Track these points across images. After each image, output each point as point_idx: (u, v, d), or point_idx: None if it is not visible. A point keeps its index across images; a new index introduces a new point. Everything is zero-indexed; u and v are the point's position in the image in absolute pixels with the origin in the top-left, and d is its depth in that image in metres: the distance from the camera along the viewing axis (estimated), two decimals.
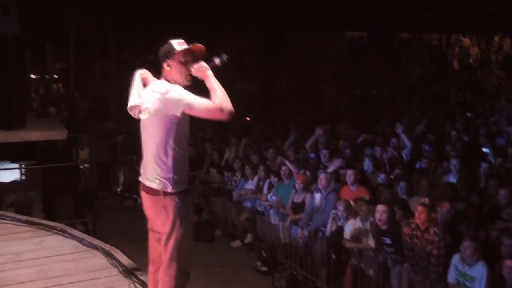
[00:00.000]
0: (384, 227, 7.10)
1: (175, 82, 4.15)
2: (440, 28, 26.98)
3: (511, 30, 26.19)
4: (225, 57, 4.17)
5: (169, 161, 4.19)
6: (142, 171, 4.39)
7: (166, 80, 4.17)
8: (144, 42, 19.98)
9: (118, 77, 19.89)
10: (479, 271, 6.09)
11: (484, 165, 9.18)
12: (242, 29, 22.97)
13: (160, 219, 4.30)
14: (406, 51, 25.26)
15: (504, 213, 7.39)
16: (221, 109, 3.94)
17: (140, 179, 4.38)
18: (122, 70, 20.39)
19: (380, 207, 7.07)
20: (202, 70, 4.10)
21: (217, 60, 4.16)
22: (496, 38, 26.06)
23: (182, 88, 4.06)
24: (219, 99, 3.96)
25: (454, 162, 9.11)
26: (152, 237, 4.53)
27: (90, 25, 19.63)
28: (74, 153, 12.32)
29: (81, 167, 12.28)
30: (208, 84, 4.09)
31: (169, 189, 4.19)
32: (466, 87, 18.31)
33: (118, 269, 5.91)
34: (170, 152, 4.17)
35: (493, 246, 6.58)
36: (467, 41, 25.96)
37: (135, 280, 5.59)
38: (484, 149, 10.50)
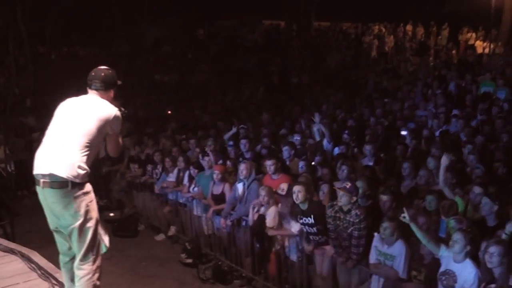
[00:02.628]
0: (304, 207, 7.13)
1: None
2: (355, 17, 27.62)
3: (423, 19, 27.14)
4: (125, 112, 4.78)
5: (83, 155, 4.32)
6: (42, 165, 4.31)
7: (104, 100, 4.61)
8: (59, 34, 19.39)
9: (34, 71, 19.18)
10: (398, 249, 6.25)
11: (400, 148, 9.41)
12: (159, 19, 22.71)
13: (70, 212, 4.32)
14: (323, 39, 25.64)
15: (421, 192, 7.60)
16: (119, 151, 4.85)
17: (39, 173, 4.32)
18: (37, 63, 19.69)
19: (296, 187, 7.11)
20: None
21: (122, 109, 4.76)
22: (409, 26, 26.86)
23: None
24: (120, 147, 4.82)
25: (368, 146, 9.30)
26: (58, 236, 4.62)
27: (0, 16, 18.81)
28: None
29: None
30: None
31: (77, 180, 4.27)
32: (383, 73, 18.69)
33: (37, 272, 5.75)
34: (86, 151, 4.34)
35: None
36: (382, 29, 26.62)
37: (55, 283, 5.46)
38: (403, 132, 10.75)
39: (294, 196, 7.13)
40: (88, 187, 4.39)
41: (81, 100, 4.57)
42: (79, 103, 4.54)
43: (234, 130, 11.21)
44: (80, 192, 4.28)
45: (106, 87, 4.62)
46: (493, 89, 13.94)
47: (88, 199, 4.37)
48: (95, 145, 4.42)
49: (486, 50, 23.04)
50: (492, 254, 5.21)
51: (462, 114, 11.87)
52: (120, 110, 4.63)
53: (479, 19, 24.87)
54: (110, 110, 4.49)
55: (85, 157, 4.30)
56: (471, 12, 25.19)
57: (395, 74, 18.94)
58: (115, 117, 4.50)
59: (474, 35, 24.99)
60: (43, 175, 4.28)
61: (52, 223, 4.51)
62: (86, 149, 4.32)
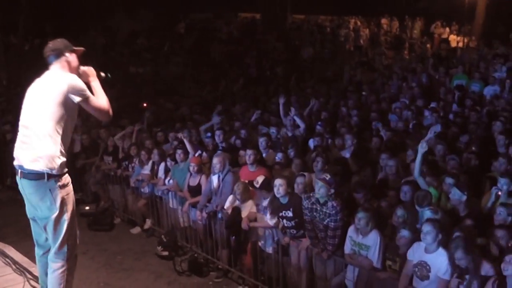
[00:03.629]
0: (284, 201, 7.17)
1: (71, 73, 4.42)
2: (331, 10, 27.72)
3: (398, 13, 27.35)
4: (109, 75, 4.80)
5: (55, 143, 4.24)
6: (20, 156, 4.27)
7: (63, 69, 4.40)
8: (33, 25, 19.12)
9: (6, 62, 18.89)
10: (373, 239, 6.34)
11: (375, 140, 9.49)
12: (134, 11, 22.53)
13: (45, 203, 4.30)
14: (298, 32, 25.70)
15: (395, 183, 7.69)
16: (108, 111, 4.44)
17: (17, 164, 4.32)
18: (9, 54, 19.39)
19: (278, 181, 7.13)
20: (90, 73, 4.57)
21: (102, 74, 4.68)
22: (384, 20, 27.06)
23: (81, 81, 4.36)
24: (106, 102, 4.43)
25: (348, 137, 9.36)
26: (35, 226, 4.57)
27: None
28: None
29: None
30: (95, 86, 4.52)
31: (54, 171, 4.23)
32: (358, 66, 18.81)
33: (12, 267, 5.72)
34: (57, 137, 4.25)
35: (384, 215, 6.83)
36: (357, 22, 26.77)
37: (30, 277, 5.43)
38: (376, 124, 10.83)
39: (275, 190, 7.17)
40: (66, 179, 4.35)
41: (40, 81, 4.40)
42: (38, 85, 4.39)
43: (213, 121, 11.17)
44: (56, 184, 4.25)
45: (57, 55, 4.42)
46: (465, 82, 14.13)
47: (65, 192, 4.32)
48: (64, 126, 4.27)
49: (460, 44, 23.33)
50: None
51: (436, 106, 12.01)
52: (99, 74, 4.59)
53: (453, 14, 25.19)
54: (60, 81, 4.26)
55: (57, 146, 4.23)
56: (445, 6, 25.48)
57: (370, 67, 19.07)
58: (70, 84, 4.23)
59: (447, 29, 25.29)
60: (20, 166, 4.28)
61: (29, 212, 4.49)
62: (56, 134, 4.22)
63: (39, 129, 4.21)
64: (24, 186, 4.31)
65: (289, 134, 10.53)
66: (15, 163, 4.32)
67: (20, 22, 20.35)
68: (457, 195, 6.59)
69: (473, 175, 7.74)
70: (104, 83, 4.61)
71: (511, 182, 6.69)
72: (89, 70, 4.58)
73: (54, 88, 4.23)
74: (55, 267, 4.41)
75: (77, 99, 4.24)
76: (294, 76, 17.67)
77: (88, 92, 4.31)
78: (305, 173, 7.80)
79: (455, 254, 5.35)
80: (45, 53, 4.45)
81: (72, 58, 4.47)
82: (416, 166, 7.18)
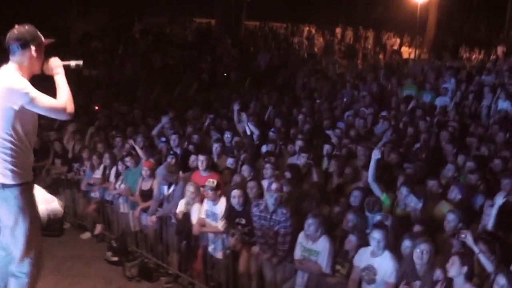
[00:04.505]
0: (239, 208, 7.19)
1: (29, 70, 4.11)
2: (285, 17, 27.94)
3: (351, 22, 27.76)
4: (81, 63, 4.34)
5: (8, 152, 4.04)
6: None
7: (21, 64, 4.06)
8: None
9: None
10: (322, 245, 6.41)
11: (327, 147, 9.59)
12: (88, 12, 22.21)
13: (2, 213, 4.13)
14: (253, 38, 25.82)
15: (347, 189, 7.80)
16: (64, 109, 4.05)
17: None
18: None
19: (236, 192, 7.15)
20: (55, 66, 4.19)
21: (73, 63, 4.30)
22: (338, 29, 27.41)
23: (25, 82, 3.98)
24: (64, 99, 4.06)
25: (299, 143, 9.45)
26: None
27: None
28: None
29: None
30: (57, 80, 4.16)
31: (9, 181, 4.04)
32: (311, 74, 18.95)
33: None
34: (8, 144, 4.04)
35: (335, 221, 6.92)
36: (312, 30, 27.03)
37: None
38: (328, 132, 10.96)
39: (232, 200, 7.19)
40: (24, 188, 4.13)
41: None
42: None
43: (163, 122, 11.10)
44: (13, 195, 4.06)
45: (21, 45, 4.04)
46: (415, 92, 14.43)
47: (23, 201, 4.11)
48: (15, 134, 4.00)
49: (412, 56, 23.84)
50: (422, 251, 5.41)
51: (388, 115, 12.24)
52: (68, 64, 4.27)
53: (405, 26, 25.76)
54: (1, 87, 3.92)
55: (7, 155, 4.01)
56: (398, 18, 26.06)
57: (323, 75, 19.25)
58: (6, 89, 3.89)
59: (399, 40, 25.83)
60: None
61: None
62: (5, 145, 4.00)
63: None
64: None
65: (243, 140, 10.54)
66: None
67: None
68: (413, 202, 6.75)
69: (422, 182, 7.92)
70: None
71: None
72: (53, 61, 4.23)
73: None
74: (17, 280, 4.28)
75: (16, 106, 3.92)
76: (248, 82, 17.74)
77: (31, 94, 3.93)
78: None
79: (421, 266, 5.44)
80: (8, 40, 4.07)
81: (37, 53, 4.10)
82: (370, 171, 7.29)
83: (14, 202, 4.08)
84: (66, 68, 4.27)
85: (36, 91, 3.99)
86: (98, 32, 23.39)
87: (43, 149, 11.62)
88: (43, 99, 4.00)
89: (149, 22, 26.51)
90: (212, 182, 7.57)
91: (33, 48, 4.07)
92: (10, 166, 4.03)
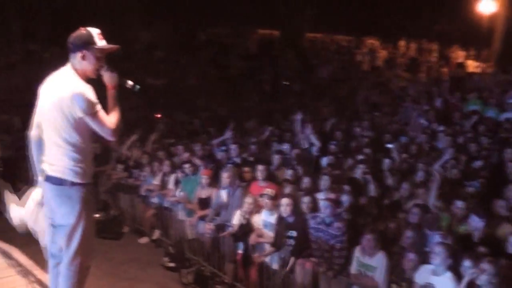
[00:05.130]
0: (290, 220, 7.17)
1: (83, 73, 4.15)
2: (349, 30, 27.77)
3: (415, 35, 27.33)
4: (138, 87, 4.29)
5: (76, 152, 4.14)
6: (45, 159, 4.24)
7: (75, 68, 4.13)
8: (52, 33, 19.25)
9: (25, 69, 19.05)
10: (379, 261, 6.31)
11: (387, 161, 9.46)
12: (152, 22, 22.65)
13: (63, 210, 4.18)
14: (315, 50, 25.77)
15: (405, 205, 7.66)
16: (113, 132, 4.09)
17: (43, 167, 4.23)
18: (28, 61, 19.54)
19: (284, 201, 7.14)
20: (114, 81, 4.19)
21: (130, 83, 4.29)
22: (402, 42, 27.04)
23: (92, 93, 4.05)
24: (115, 121, 4.10)
25: (358, 156, 9.36)
26: (50, 231, 4.41)
27: None
28: None
29: None
30: (111, 96, 4.19)
31: (77, 179, 4.13)
32: (373, 87, 18.76)
33: (15, 269, 5.72)
34: (76, 143, 4.13)
35: (391, 237, 6.80)
36: (375, 43, 26.77)
37: (33, 280, 5.42)
38: (388, 146, 10.81)
39: (282, 209, 7.18)
40: (88, 189, 4.21)
41: (51, 83, 4.17)
42: (49, 88, 4.16)
43: (226, 135, 11.19)
44: (78, 193, 4.13)
45: (71, 49, 4.11)
46: (479, 107, 14.06)
47: (85, 201, 4.18)
48: (79, 135, 4.07)
49: (477, 69, 23.26)
50: (484, 271, 5.26)
51: (450, 130, 11.96)
52: (125, 83, 4.28)
53: (470, 39, 25.15)
54: (65, 90, 3.99)
55: (77, 155, 4.09)
56: (463, 31, 25.47)
57: (385, 89, 19.03)
58: (74, 96, 3.95)
59: (464, 53, 25.24)
60: (44, 169, 4.21)
61: (48, 216, 4.35)
62: (71, 144, 4.07)
63: (57, 140, 4.10)
64: (46, 189, 4.25)
65: (303, 152, 10.50)
66: (42, 165, 4.25)
67: (40, 30, 20.59)
68: (475, 221, 6.58)
69: (485, 201, 7.71)
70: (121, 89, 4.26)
71: None
72: (112, 77, 4.21)
73: (59, 99, 4.01)
74: (67, 277, 4.31)
75: (80, 114, 3.99)
76: (310, 94, 17.71)
77: (97, 107, 4.03)
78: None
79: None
80: (67, 43, 4.15)
81: (89, 57, 4.12)
82: (432, 190, 7.14)
83: (79, 201, 4.15)
84: (122, 84, 4.31)
85: (99, 106, 4.07)
86: (161, 43, 23.79)
87: (105, 155, 11.91)
88: (102, 117, 4.07)
89: (212, 33, 26.83)
90: (270, 191, 7.59)
91: (81, 53, 4.11)
92: (79, 165, 4.12)
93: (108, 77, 4.22)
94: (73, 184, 4.12)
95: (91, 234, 4.36)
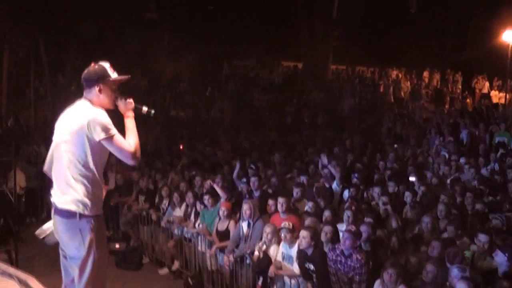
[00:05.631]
0: (309, 252, 7.09)
1: (100, 106, 4.23)
2: (372, 61, 27.81)
3: (439, 65, 27.25)
4: (152, 111, 4.40)
5: (87, 183, 4.13)
6: (54, 193, 4.27)
7: (91, 102, 4.21)
8: (79, 64, 19.56)
9: (53, 101, 19.37)
10: None
11: (407, 194, 9.36)
12: (177, 55, 22.93)
13: (74, 243, 4.18)
14: (339, 82, 25.83)
15: (426, 239, 7.55)
16: (134, 154, 4.12)
17: (53, 201, 4.26)
18: (56, 93, 19.90)
19: (303, 233, 7.08)
20: (127, 108, 4.29)
21: (145, 109, 4.38)
22: (426, 73, 26.96)
23: (108, 117, 4.12)
24: (134, 144, 4.13)
25: (376, 189, 9.31)
26: (63, 263, 4.44)
27: (23, 44, 19.02)
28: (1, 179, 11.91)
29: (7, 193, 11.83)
30: (128, 122, 4.26)
31: (86, 211, 4.13)
32: (398, 119, 18.71)
33: None
34: (88, 175, 4.15)
35: (413, 271, 6.68)
36: (398, 74, 26.73)
37: None
38: (411, 178, 10.72)
39: (299, 241, 7.13)
40: (99, 221, 4.23)
41: (66, 116, 4.27)
42: (63, 121, 4.27)
43: (238, 166, 11.19)
44: (88, 225, 4.14)
45: (87, 84, 4.23)
46: (507, 139, 13.91)
47: (96, 234, 4.18)
48: (92, 166, 4.13)
49: (502, 100, 23.05)
50: None
51: (475, 162, 11.83)
52: (140, 109, 4.36)
53: (495, 69, 24.98)
54: (81, 118, 4.07)
55: (88, 187, 4.12)
56: (488, 61, 25.29)
57: (409, 120, 18.95)
58: (90, 121, 4.03)
59: (488, 84, 25.04)
60: (54, 203, 4.25)
61: (62, 249, 4.39)
62: (84, 175, 4.11)
63: (67, 171, 4.14)
64: (56, 223, 4.28)
65: (324, 184, 10.45)
66: (51, 198, 4.29)
67: (68, 62, 20.97)
68: (499, 256, 6.46)
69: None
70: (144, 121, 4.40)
71: None
72: (128, 104, 4.32)
73: (75, 127, 4.08)
74: None
75: (97, 137, 4.03)
76: (333, 127, 17.71)
77: (112, 131, 4.08)
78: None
79: None
80: (81, 78, 4.30)
81: (105, 90, 4.24)
82: None
83: (89, 233, 4.16)
84: (137, 112, 4.38)
85: (116, 130, 4.12)
86: (187, 74, 24.06)
87: (126, 185, 11.99)
88: (120, 140, 4.12)
89: (237, 65, 27.08)
90: (288, 224, 7.54)
91: (98, 87, 4.21)
92: (89, 197, 4.14)
93: (123, 105, 4.32)
94: (81, 216, 4.13)
95: (103, 266, 4.34)
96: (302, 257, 7.21)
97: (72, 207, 4.13)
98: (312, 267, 7.03)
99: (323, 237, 7.24)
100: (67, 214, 4.15)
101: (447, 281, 6.20)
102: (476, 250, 7.02)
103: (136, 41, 20.35)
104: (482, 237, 6.88)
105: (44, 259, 9.43)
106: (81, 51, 19.38)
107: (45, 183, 13.49)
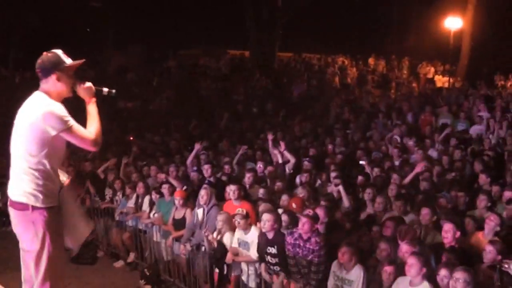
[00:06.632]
0: (270, 236, 7.15)
1: (58, 95, 4.18)
2: (318, 48, 28.10)
3: (384, 52, 27.76)
4: (114, 91, 4.41)
5: (39, 175, 4.07)
6: (10, 185, 4.20)
7: (48, 91, 4.14)
8: (23, 57, 19.10)
9: None
10: (356, 274, 6.32)
11: (360, 177, 9.55)
12: (124, 45, 22.67)
13: (28, 235, 4.13)
14: (286, 69, 25.99)
15: (379, 219, 7.73)
16: (94, 141, 4.14)
17: (8, 194, 4.19)
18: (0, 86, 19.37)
19: (266, 216, 7.13)
20: (91, 93, 4.26)
21: (105, 89, 4.36)
22: (371, 60, 27.40)
23: (63, 109, 4.08)
24: (95, 131, 4.14)
25: (332, 173, 9.42)
26: (22, 257, 4.36)
27: None
28: None
29: None
30: (90, 108, 4.24)
31: (38, 203, 4.07)
32: (345, 104, 18.94)
33: None
34: (41, 167, 4.10)
35: (367, 250, 6.84)
36: (345, 61, 27.08)
37: None
38: (361, 162, 10.91)
39: (262, 224, 7.16)
40: (52, 212, 4.15)
41: (23, 109, 4.17)
42: (20, 114, 4.17)
43: (195, 149, 11.15)
44: (40, 217, 4.08)
45: (43, 74, 4.14)
46: (450, 121, 14.29)
47: (50, 226, 4.12)
48: (47, 159, 4.07)
49: (445, 84, 23.66)
50: (458, 279, 5.28)
51: (422, 144, 12.13)
52: (100, 90, 4.32)
53: (438, 54, 25.62)
54: (36, 112, 4.00)
55: (38, 178, 4.07)
56: (431, 47, 25.94)
57: (357, 106, 19.22)
58: (46, 113, 3.97)
59: (433, 69, 25.65)
60: (9, 196, 4.20)
61: (20, 242, 4.32)
62: (36, 168, 4.06)
63: (20, 164, 4.10)
64: (12, 216, 4.22)
65: (276, 169, 10.53)
66: (7, 191, 4.23)
67: (10, 54, 20.44)
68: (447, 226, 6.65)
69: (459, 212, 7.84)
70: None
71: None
72: (88, 89, 4.26)
73: (30, 121, 4.03)
74: None
75: (55, 131, 4.00)
76: (282, 113, 17.82)
77: (69, 122, 4.04)
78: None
79: None
80: (36, 68, 4.18)
81: (63, 77, 4.16)
82: None
83: (42, 225, 4.11)
84: (98, 94, 4.35)
85: (73, 120, 4.09)
86: (133, 65, 23.81)
87: (78, 179, 11.78)
88: (79, 130, 4.10)
89: (184, 54, 26.92)
90: (241, 210, 7.59)
91: (55, 75, 4.14)
92: (40, 189, 4.09)
93: (83, 91, 4.27)
94: (34, 208, 4.08)
95: (59, 258, 4.29)
96: (263, 241, 7.25)
97: (23, 199, 4.09)
98: (274, 250, 7.09)
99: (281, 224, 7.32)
100: (20, 206, 4.11)
101: (398, 257, 6.37)
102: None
103: (81, 32, 20.00)
104: (426, 211, 7.12)
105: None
106: (24, 42, 18.92)
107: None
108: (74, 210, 4.47)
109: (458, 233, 6.50)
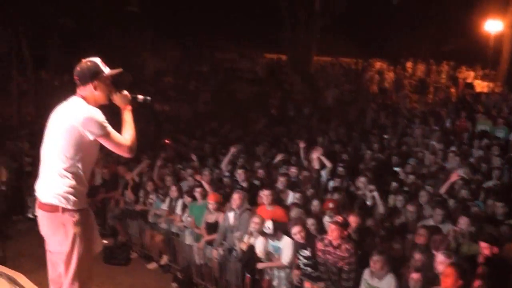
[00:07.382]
0: (301, 241, 7.14)
1: (95, 102, 4.23)
2: (356, 53, 27.91)
3: (423, 56, 27.40)
4: (149, 98, 4.42)
5: (72, 178, 4.11)
6: (38, 187, 4.25)
7: (85, 98, 4.19)
8: (62, 60, 19.41)
9: (35, 97, 19.21)
10: (388, 283, 6.25)
11: (394, 184, 9.43)
12: (161, 50, 22.85)
13: (58, 237, 4.17)
14: (323, 73, 25.87)
15: (412, 227, 7.62)
16: (129, 148, 4.18)
17: (37, 195, 4.24)
18: (39, 89, 19.72)
19: (295, 229, 7.13)
20: (126, 101, 4.31)
21: (140, 97, 4.39)
22: (409, 64, 27.08)
23: (102, 115, 4.12)
24: (130, 138, 4.18)
25: (362, 179, 9.35)
26: (49, 258, 4.42)
27: (4, 39, 18.79)
28: None
29: None
30: (125, 116, 4.28)
31: (69, 205, 4.11)
32: (382, 109, 18.75)
33: None
34: (74, 170, 4.14)
35: (400, 258, 6.75)
36: (382, 65, 26.83)
37: None
38: (396, 169, 10.78)
39: (295, 238, 7.19)
40: (82, 214, 4.19)
41: (59, 112, 4.20)
42: (56, 117, 4.20)
43: (229, 153, 11.16)
44: (70, 219, 4.12)
45: (81, 82, 4.19)
46: (489, 127, 14.02)
47: (79, 228, 4.16)
48: (80, 162, 4.12)
49: (485, 89, 23.22)
50: None
51: (459, 151, 11.92)
52: (135, 98, 4.37)
53: (478, 59, 25.16)
54: (75, 116, 4.05)
55: (73, 182, 4.11)
56: (471, 51, 25.48)
57: (393, 110, 19.01)
58: (86, 118, 4.02)
59: (472, 73, 25.21)
60: (38, 197, 4.23)
61: (47, 244, 4.38)
62: (71, 171, 4.10)
63: (53, 165, 4.13)
64: (40, 217, 4.26)
65: (311, 174, 10.47)
66: (36, 193, 4.27)
67: (51, 57, 20.80)
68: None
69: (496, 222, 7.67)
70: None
71: None
72: (123, 97, 4.32)
73: (69, 124, 4.06)
74: None
75: (92, 136, 4.05)
76: (317, 118, 17.72)
77: (107, 128, 4.10)
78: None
79: None
80: (73, 75, 4.24)
81: (100, 86, 4.21)
82: None
83: (72, 227, 4.15)
84: (134, 101, 4.40)
85: (109, 126, 4.14)
86: (170, 69, 23.99)
87: (113, 181, 11.92)
88: (116, 136, 4.15)
89: (220, 58, 27.03)
90: (268, 228, 7.62)
91: (92, 84, 4.19)
92: (72, 191, 4.12)
93: (119, 99, 4.33)
94: (64, 210, 4.11)
95: (88, 260, 4.32)
96: (296, 246, 7.25)
97: (55, 201, 4.12)
98: (307, 253, 7.07)
99: (310, 229, 7.29)
100: (50, 208, 4.15)
101: (433, 267, 6.26)
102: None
103: (119, 35, 20.24)
104: (463, 221, 6.98)
105: (31, 256, 9.39)
106: (64, 46, 19.23)
107: (30, 181, 13.48)
108: (94, 224, 4.51)
109: (495, 249, 6.34)
